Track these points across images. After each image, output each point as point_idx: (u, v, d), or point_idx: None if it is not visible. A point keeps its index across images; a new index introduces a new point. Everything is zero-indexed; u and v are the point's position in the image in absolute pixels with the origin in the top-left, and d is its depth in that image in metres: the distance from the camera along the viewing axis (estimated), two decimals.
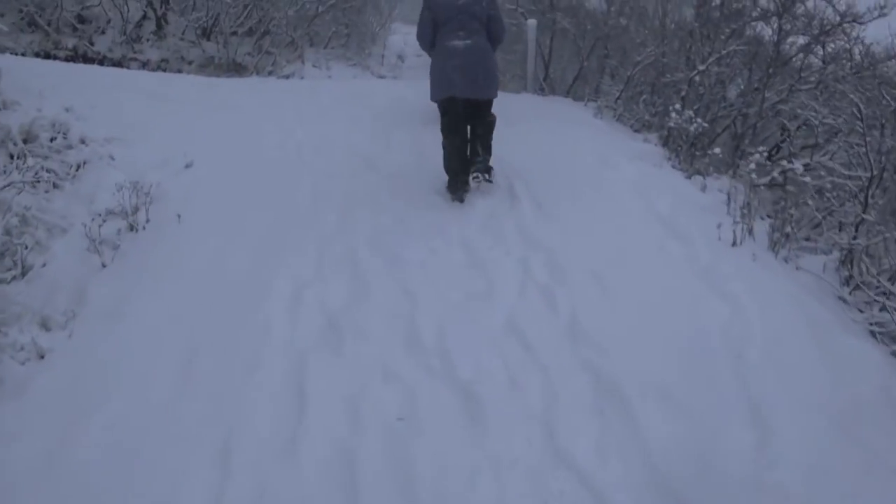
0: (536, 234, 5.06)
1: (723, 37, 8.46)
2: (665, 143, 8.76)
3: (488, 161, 5.75)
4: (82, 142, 6.46)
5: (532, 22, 10.07)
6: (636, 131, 9.25)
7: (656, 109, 9.22)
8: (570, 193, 5.66)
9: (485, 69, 5.59)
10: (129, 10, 12.60)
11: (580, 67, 12.39)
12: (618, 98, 9.58)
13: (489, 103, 5.80)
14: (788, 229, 5.02)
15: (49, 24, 12.30)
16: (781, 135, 8.91)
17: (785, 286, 4.38)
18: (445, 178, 5.76)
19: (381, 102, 8.53)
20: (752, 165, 5.96)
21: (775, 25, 9.35)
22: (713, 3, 9.22)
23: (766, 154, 6.85)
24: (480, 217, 5.32)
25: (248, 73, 12.59)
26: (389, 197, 5.69)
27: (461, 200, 5.62)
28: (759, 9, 9.27)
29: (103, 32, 12.95)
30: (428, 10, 5.71)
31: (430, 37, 5.75)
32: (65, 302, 4.57)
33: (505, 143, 6.32)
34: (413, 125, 7.49)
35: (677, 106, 7.48)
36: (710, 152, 7.44)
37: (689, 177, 7.00)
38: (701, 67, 8.39)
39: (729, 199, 5.67)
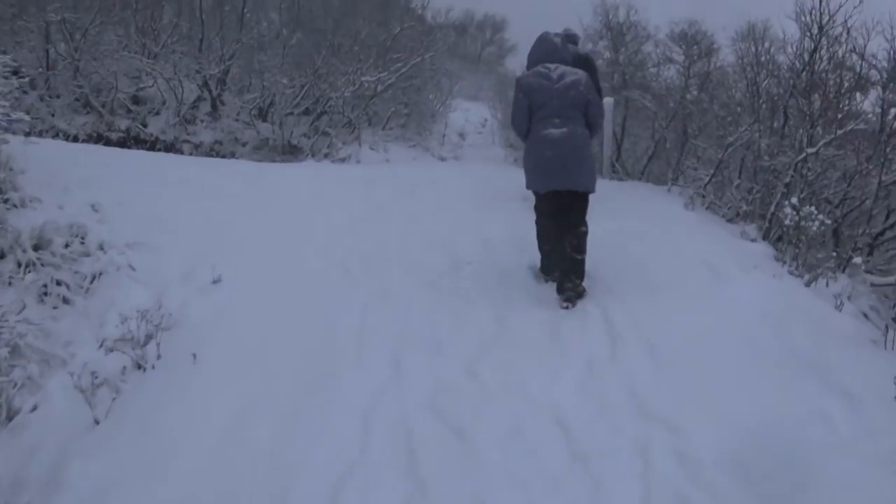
0: (654, 401, 3.69)
1: (840, 115, 7.19)
2: (766, 235, 7.49)
3: (581, 287, 5.05)
4: (101, 248, 5.45)
5: (609, 100, 8.94)
6: (729, 220, 7.99)
7: (753, 196, 7.94)
8: (684, 327, 4.37)
9: (582, 159, 5.02)
10: (183, 91, 11.90)
11: (654, 147, 11.28)
12: (706, 184, 8.33)
13: (586, 197, 5.20)
14: None
15: (103, 106, 11.67)
16: (887, 219, 7.59)
17: None
18: (537, 262, 5.32)
19: (443, 195, 7.45)
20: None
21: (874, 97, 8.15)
22: (819, 77, 7.99)
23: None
24: (575, 368, 4.04)
25: (303, 155, 11.73)
26: (453, 330, 4.50)
27: (556, 281, 5.05)
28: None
29: (157, 114, 12.28)
30: (522, 93, 5.12)
31: (526, 123, 5.13)
32: (43, 473, 3.47)
33: (590, 245, 5.19)
34: (480, 226, 6.38)
35: (794, 200, 6.19)
36: (833, 254, 6.15)
37: (808, 283, 5.74)
38: (810, 150, 7.12)
39: (887, 330, 4.35)
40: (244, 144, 12.03)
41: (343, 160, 11.37)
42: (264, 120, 12.27)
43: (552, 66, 5.10)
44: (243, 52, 12.31)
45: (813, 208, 5.94)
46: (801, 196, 7.33)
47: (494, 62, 30.39)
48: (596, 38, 11.41)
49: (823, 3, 8.06)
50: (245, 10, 12.59)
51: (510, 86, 20.60)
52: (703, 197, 8.27)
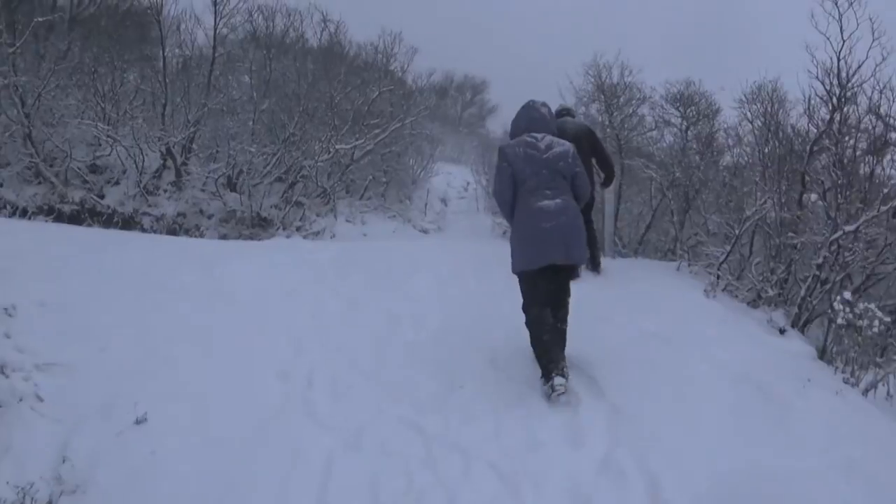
0: None
1: (885, 189, 6.23)
2: (796, 322, 6.46)
3: (564, 361, 4.44)
4: (2, 371, 4.30)
5: (610, 188, 7.97)
6: (750, 303, 6.96)
7: (777, 277, 6.92)
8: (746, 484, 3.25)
9: (579, 231, 4.68)
10: (144, 160, 10.79)
11: (652, 215, 10.31)
12: (721, 262, 7.30)
13: (572, 277, 4.90)
14: None
15: (57, 176, 10.52)
16: None
17: None
18: (538, 371, 4.43)
19: (428, 285, 6.34)
20: None
21: None
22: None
23: None
24: None
25: (273, 228, 10.64)
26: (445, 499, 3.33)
27: (564, 390, 4.18)
28: None
29: (116, 183, 11.15)
30: (507, 163, 4.70)
31: (511, 194, 4.72)
32: None
33: (610, 362, 4.18)
34: (475, 329, 5.26)
35: (846, 295, 5.14)
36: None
37: (865, 391, 4.70)
38: (848, 228, 6.12)
39: None
40: (209, 217, 10.91)
41: (317, 234, 10.30)
42: (233, 190, 11.19)
43: (539, 135, 4.76)
44: (210, 117, 11.29)
45: (873, 305, 4.88)
46: (840, 279, 6.33)
47: (476, 124, 29.65)
48: (588, 100, 10.51)
49: (843, 61, 7.19)
50: (213, 73, 11.61)
51: (492, 148, 19.81)
52: (719, 278, 7.23)
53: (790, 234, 6.93)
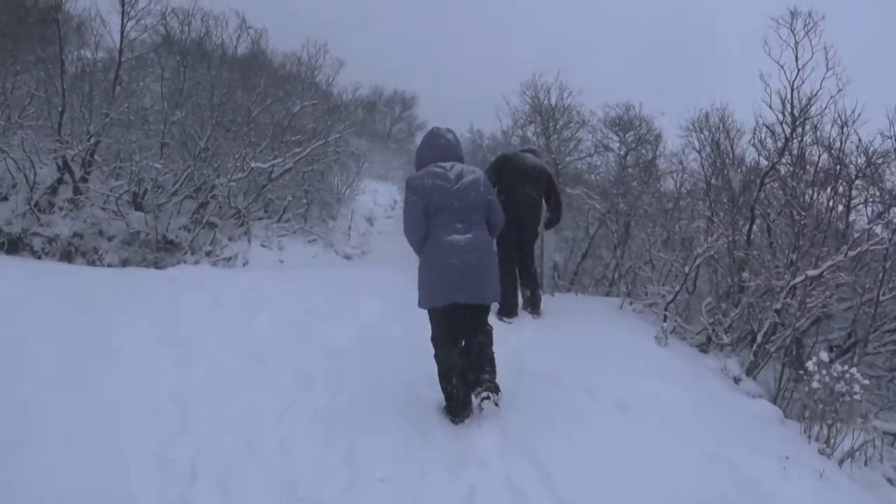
0: None
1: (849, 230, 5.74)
2: (751, 369, 5.91)
3: (496, 378, 4.25)
4: None
5: (550, 233, 7.31)
6: (699, 347, 6.40)
7: (730, 321, 6.35)
8: None
9: (491, 268, 4.40)
10: (35, 174, 9.60)
11: (589, 243, 9.73)
12: (669, 302, 6.70)
13: (487, 309, 4.55)
14: None
15: None
16: None
17: None
18: (442, 400, 4.27)
19: (349, 329, 5.51)
20: None
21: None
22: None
23: None
24: None
25: (180, 252, 9.58)
26: None
27: (462, 420, 4.15)
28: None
29: (5, 199, 9.91)
30: (416, 196, 4.36)
31: (423, 229, 4.36)
32: None
33: (545, 418, 3.80)
34: (398, 393, 4.45)
35: (823, 356, 4.53)
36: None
37: (840, 462, 4.14)
38: (811, 273, 5.58)
39: None
40: (110, 239, 9.76)
41: (228, 260, 9.31)
42: (138, 209, 10.07)
43: (447, 164, 4.44)
44: (115, 127, 10.15)
45: (854, 370, 4.28)
46: (798, 325, 5.78)
47: (405, 139, 28.85)
48: (525, 122, 9.86)
49: (796, 91, 6.74)
50: (120, 80, 10.47)
51: None
52: (666, 319, 6.63)
53: (743, 274, 6.38)
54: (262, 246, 9.55)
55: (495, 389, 4.10)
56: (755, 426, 4.41)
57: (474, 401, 4.14)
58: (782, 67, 6.75)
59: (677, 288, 6.58)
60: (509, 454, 3.62)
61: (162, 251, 9.73)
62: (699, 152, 7.70)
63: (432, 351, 4.35)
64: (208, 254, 9.54)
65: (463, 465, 3.55)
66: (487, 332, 4.44)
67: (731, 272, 6.47)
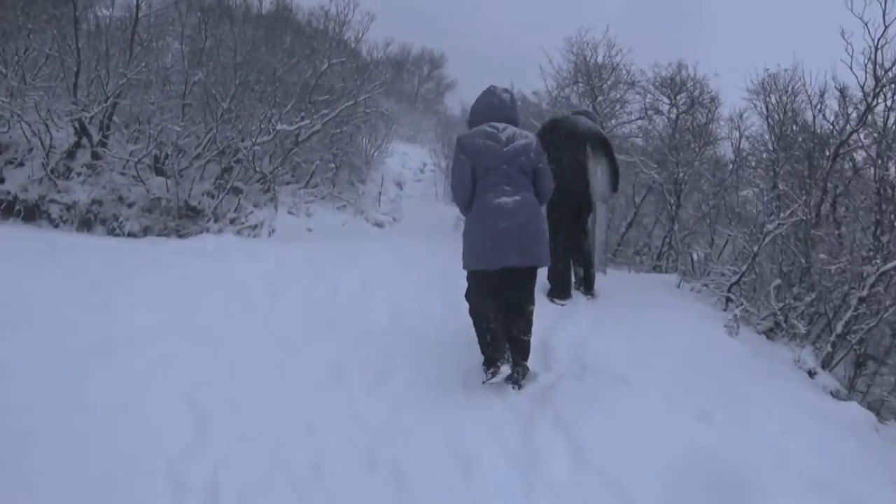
0: None
1: None
2: (827, 362, 5.29)
3: (527, 368, 4.21)
4: None
5: (602, 206, 6.63)
6: (767, 334, 5.78)
7: (804, 308, 5.71)
8: None
9: (541, 231, 4.21)
10: (51, 138, 9.09)
11: (634, 213, 9.07)
12: (734, 283, 6.07)
13: (534, 282, 4.35)
14: None
15: None
16: None
17: None
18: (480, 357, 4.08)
19: (386, 314, 4.93)
20: None
21: None
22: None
23: None
24: None
25: (204, 220, 9.07)
26: None
27: (498, 373, 3.91)
28: None
29: (21, 164, 9.43)
30: (465, 154, 4.21)
31: (471, 188, 4.21)
32: None
33: (605, 424, 3.24)
34: (448, 391, 3.88)
35: None
36: None
37: None
38: None
39: None
40: (130, 206, 9.27)
41: (254, 228, 8.78)
42: (159, 174, 9.54)
43: (500, 125, 4.26)
44: (133, 89, 9.58)
45: None
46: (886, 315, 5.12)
47: (433, 100, 27.98)
48: (570, 82, 9.11)
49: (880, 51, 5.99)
50: (138, 38, 9.88)
51: (450, 126, 18.31)
52: (729, 301, 6.00)
53: (820, 255, 5.71)
54: (290, 213, 8.99)
55: (524, 377, 4.10)
56: (852, 441, 3.79)
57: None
58: (866, 25, 5.99)
59: (743, 268, 5.93)
60: (588, 484, 3.03)
61: (184, 218, 9.23)
62: (767, 119, 6.95)
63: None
64: (232, 221, 9.01)
65: (531, 497, 2.97)
66: (530, 314, 4.27)
67: (803, 251, 5.79)
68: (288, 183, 10.51)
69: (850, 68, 6.10)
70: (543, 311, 4.96)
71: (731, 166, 8.11)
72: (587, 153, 5.78)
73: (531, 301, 4.30)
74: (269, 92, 9.07)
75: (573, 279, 5.91)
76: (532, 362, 4.25)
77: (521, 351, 4.20)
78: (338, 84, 10.13)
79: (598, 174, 5.88)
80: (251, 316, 4.82)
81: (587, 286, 5.91)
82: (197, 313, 4.69)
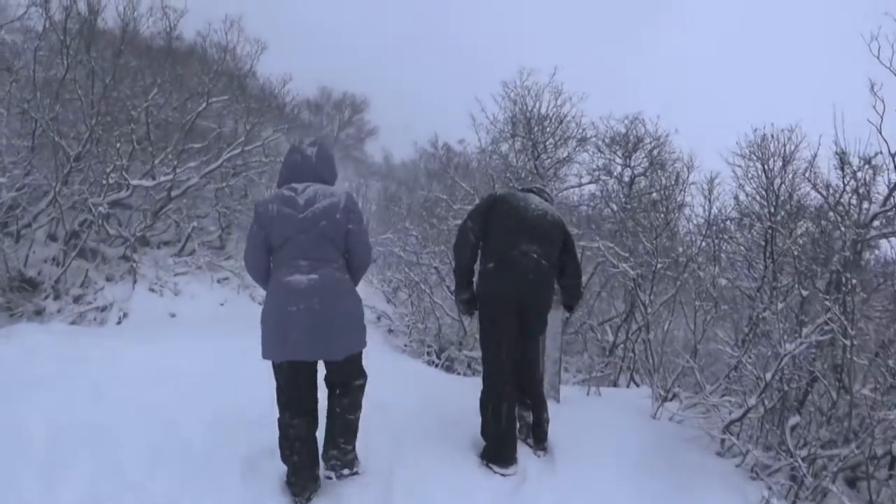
0: None
1: None
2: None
3: (352, 452, 3.53)
4: None
5: (558, 315, 4.89)
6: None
7: (841, 462, 4.01)
8: None
9: (341, 313, 3.37)
10: None
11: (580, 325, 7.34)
12: (736, 420, 4.37)
13: (353, 361, 3.48)
14: None
15: None
16: None
17: None
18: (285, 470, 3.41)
19: None
20: None
21: None
22: None
23: None
24: None
25: (41, 295, 6.91)
26: None
27: (306, 500, 3.33)
28: None
29: None
30: (258, 223, 3.43)
31: (264, 264, 3.48)
32: None
33: None
34: None
35: None
36: None
37: None
38: None
39: None
40: None
41: (102, 311, 6.66)
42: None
43: (300, 186, 3.46)
44: None
45: None
46: None
47: (353, 146, 26.04)
48: (506, 134, 7.35)
49: None
50: None
51: (370, 175, 16.46)
52: (722, 443, 4.29)
53: (855, 387, 4.06)
54: (151, 290, 6.89)
55: (348, 464, 3.51)
56: None
57: (322, 476, 3.47)
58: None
59: (751, 401, 4.21)
60: None
61: (15, 292, 7.03)
62: (765, 191, 5.33)
63: None
64: (77, 299, 6.86)
65: None
66: (354, 391, 3.56)
67: (836, 383, 4.11)
68: (166, 243, 8.43)
69: (880, 131, 4.61)
70: (474, 488, 3.19)
71: (699, 241, 6.53)
72: (544, 245, 3.98)
73: (357, 376, 3.57)
74: (126, 134, 7.00)
75: (517, 426, 4.01)
76: None
77: (342, 433, 3.51)
78: (219, 128, 8.11)
79: (553, 277, 4.08)
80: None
81: (538, 438, 4.04)
82: None
